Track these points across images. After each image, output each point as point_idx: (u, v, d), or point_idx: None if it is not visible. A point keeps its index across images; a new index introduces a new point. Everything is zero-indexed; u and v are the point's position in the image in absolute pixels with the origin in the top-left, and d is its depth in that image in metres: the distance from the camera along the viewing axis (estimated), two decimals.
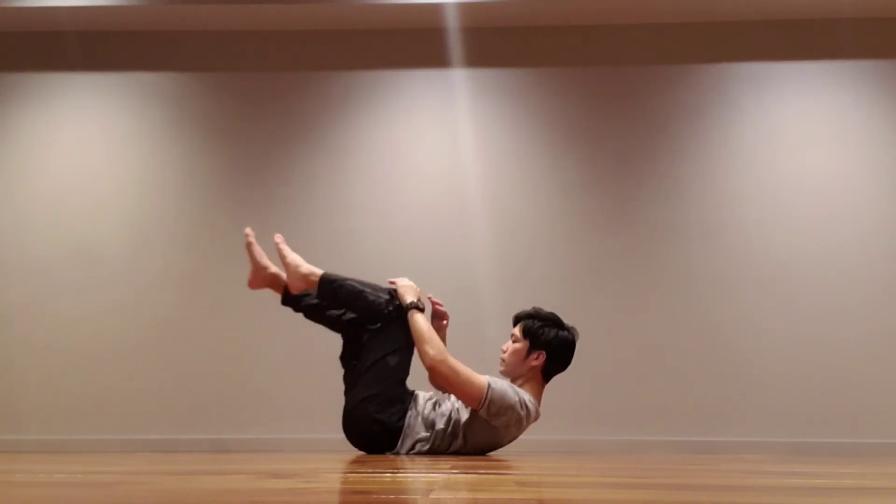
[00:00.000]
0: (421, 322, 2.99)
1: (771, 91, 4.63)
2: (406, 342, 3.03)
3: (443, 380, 2.93)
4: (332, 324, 3.22)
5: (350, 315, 3.17)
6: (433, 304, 3.22)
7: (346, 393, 3.09)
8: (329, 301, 3.18)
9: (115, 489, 1.43)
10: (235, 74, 4.79)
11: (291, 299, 3.28)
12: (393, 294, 3.10)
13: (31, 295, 4.59)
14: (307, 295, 3.25)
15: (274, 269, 3.32)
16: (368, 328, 3.09)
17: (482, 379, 2.87)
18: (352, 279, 3.16)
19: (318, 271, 3.19)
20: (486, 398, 2.84)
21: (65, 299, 4.57)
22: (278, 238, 3.27)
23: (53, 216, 4.67)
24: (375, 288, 3.14)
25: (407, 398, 3.03)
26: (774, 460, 2.96)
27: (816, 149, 4.58)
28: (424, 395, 3.08)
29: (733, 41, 4.65)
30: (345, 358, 3.16)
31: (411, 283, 3.13)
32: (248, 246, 3.32)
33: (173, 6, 4.58)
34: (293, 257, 3.22)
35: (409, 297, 3.06)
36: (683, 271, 4.50)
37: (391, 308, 3.06)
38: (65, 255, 4.61)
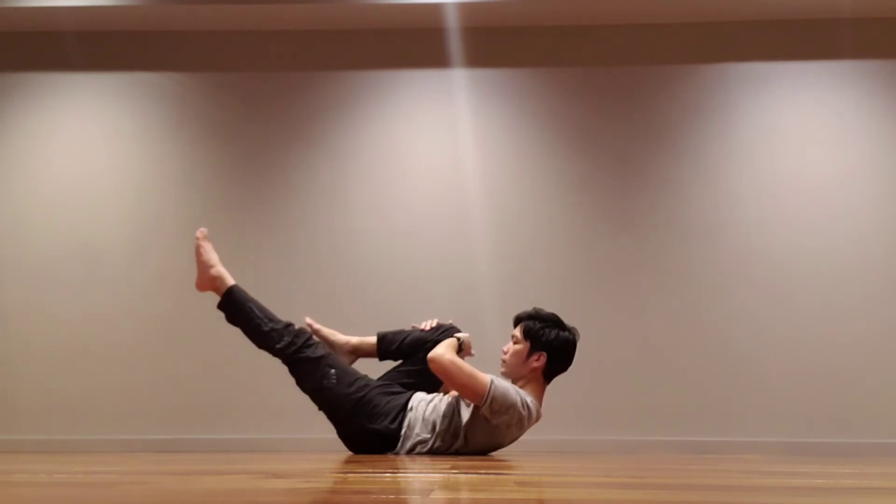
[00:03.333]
0: (450, 339, 3.03)
1: (771, 91, 4.63)
2: (318, 359, 3.04)
3: (444, 374, 2.92)
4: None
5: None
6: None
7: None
8: (226, 315, 3.15)
9: (115, 489, 1.43)
10: (235, 74, 4.79)
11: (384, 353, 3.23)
12: (290, 332, 3.07)
13: (30, 295, 4.58)
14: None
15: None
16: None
17: (485, 377, 2.88)
18: (255, 304, 3.12)
19: (229, 281, 3.15)
20: (488, 395, 2.84)
21: (65, 299, 4.56)
22: (200, 233, 3.21)
23: (53, 216, 4.66)
24: (275, 322, 3.10)
25: (391, 395, 3.04)
26: (774, 460, 2.96)
27: (816, 148, 4.57)
28: (423, 395, 3.08)
29: (733, 41, 4.65)
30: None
31: (465, 337, 3.10)
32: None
33: (173, 6, 4.58)
34: (209, 256, 3.18)
35: (460, 334, 3.10)
36: (683, 271, 4.50)
37: (290, 350, 3.05)
38: (65, 255, 4.61)
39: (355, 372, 3.10)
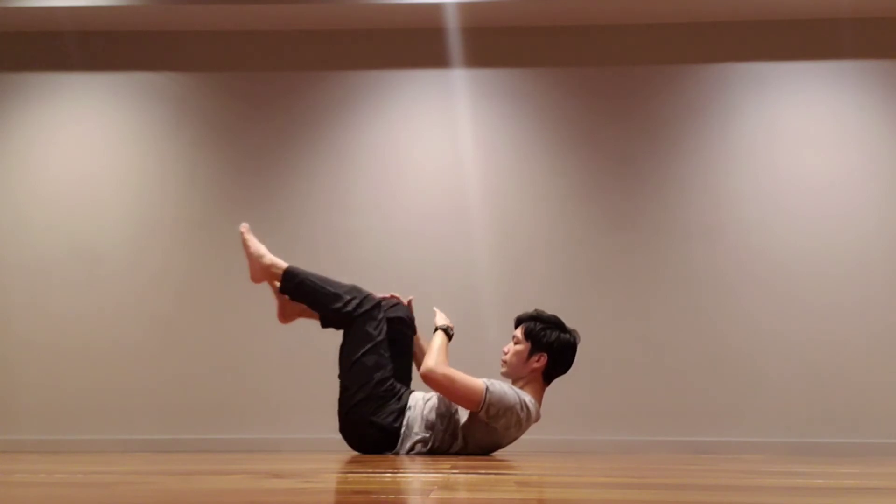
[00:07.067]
0: (438, 340, 3.04)
1: (771, 91, 4.63)
2: (376, 338, 3.04)
3: (438, 388, 2.93)
4: None
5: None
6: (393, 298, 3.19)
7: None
8: (291, 296, 3.19)
9: (115, 489, 1.43)
10: (235, 74, 4.79)
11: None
12: (355, 293, 3.12)
13: (31, 295, 4.59)
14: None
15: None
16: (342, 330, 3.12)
17: (479, 383, 2.87)
18: (314, 275, 3.17)
19: (283, 264, 3.20)
20: (484, 401, 2.84)
21: (65, 299, 4.57)
22: (243, 227, 3.28)
23: (53, 216, 4.67)
24: (337, 286, 3.15)
25: (399, 395, 3.03)
26: (774, 460, 2.96)
27: (816, 149, 4.58)
28: (422, 395, 3.07)
29: (733, 41, 4.65)
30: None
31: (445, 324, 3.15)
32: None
33: (173, 6, 4.58)
34: (256, 247, 3.24)
35: (440, 322, 3.12)
36: (683, 271, 4.50)
37: (352, 307, 3.08)
38: (65, 255, 4.61)
39: (389, 362, 3.07)
